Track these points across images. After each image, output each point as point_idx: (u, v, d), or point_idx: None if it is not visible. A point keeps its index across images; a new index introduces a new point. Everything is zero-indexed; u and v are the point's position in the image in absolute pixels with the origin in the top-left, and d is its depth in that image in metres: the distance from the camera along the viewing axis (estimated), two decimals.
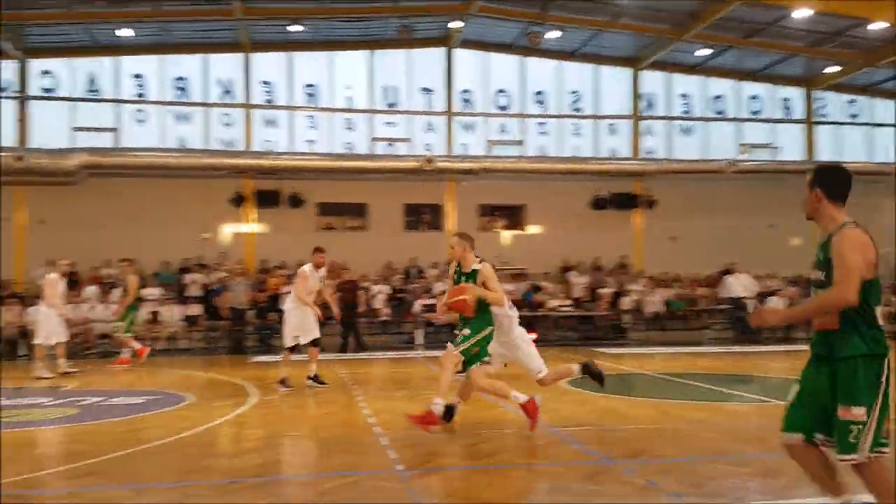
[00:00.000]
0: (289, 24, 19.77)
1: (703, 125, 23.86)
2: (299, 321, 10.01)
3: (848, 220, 3.73)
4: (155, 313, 17.35)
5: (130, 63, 20.72)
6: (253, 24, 19.92)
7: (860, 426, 3.54)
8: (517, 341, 7.19)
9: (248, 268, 19.84)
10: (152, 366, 13.60)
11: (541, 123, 23.06)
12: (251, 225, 21.10)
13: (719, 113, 23.97)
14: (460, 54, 22.44)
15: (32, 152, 18.98)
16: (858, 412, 3.55)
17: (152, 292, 17.72)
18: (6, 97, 20.21)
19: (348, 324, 16.54)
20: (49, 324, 12.14)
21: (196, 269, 19.27)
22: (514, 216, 22.61)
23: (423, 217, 22.28)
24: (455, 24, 20.67)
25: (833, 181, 3.79)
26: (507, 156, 21.79)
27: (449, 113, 22.39)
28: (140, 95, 20.92)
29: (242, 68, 21.27)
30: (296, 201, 20.77)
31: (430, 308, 17.51)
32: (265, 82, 21.57)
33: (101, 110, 20.60)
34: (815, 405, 3.72)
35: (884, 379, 3.60)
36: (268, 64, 21.50)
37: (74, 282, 18.90)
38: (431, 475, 5.59)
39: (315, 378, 10.13)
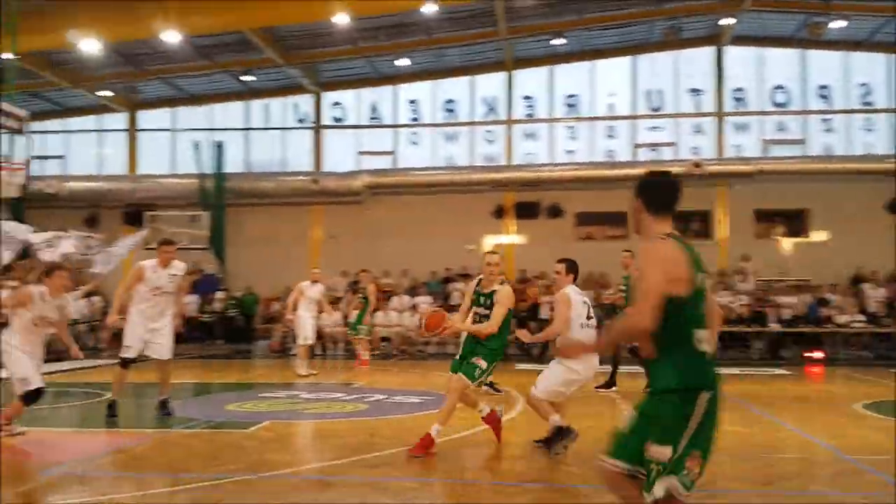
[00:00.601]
0: (552, 38, 20.10)
1: None
2: None
3: (664, 232, 3.26)
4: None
5: (406, 90, 22.51)
6: (516, 41, 20.56)
7: (660, 467, 3.04)
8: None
9: (508, 278, 20.39)
10: (424, 368, 14.55)
11: (825, 120, 20.90)
12: (511, 236, 21.71)
13: None
14: (732, 52, 21.14)
15: (325, 175, 21.45)
16: (660, 452, 3.04)
17: (423, 300, 18.99)
18: (304, 128, 23.04)
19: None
20: (305, 326, 13.34)
21: (459, 279, 20.28)
22: (795, 222, 20.64)
23: (690, 225, 21.24)
24: (726, 21, 19.52)
25: (656, 191, 3.40)
26: (786, 156, 20.05)
27: (720, 113, 21.18)
28: (414, 119, 22.62)
29: (505, 86, 22.05)
30: (555, 211, 21.00)
31: None
32: (526, 97, 22.14)
33: (382, 135, 22.63)
34: (640, 437, 3.13)
35: (695, 416, 3.05)
36: (529, 79, 22.07)
37: (358, 290, 20.92)
38: (717, 497, 5.26)
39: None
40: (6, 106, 12.68)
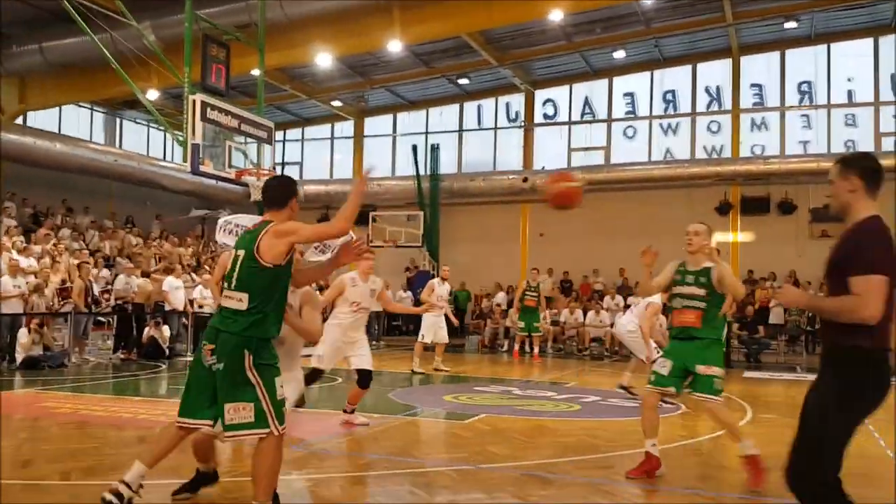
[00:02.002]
0: (784, 21, 18.56)
1: None
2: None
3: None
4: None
5: (622, 83, 21.96)
6: (743, 26, 19.26)
7: None
8: None
9: None
10: (640, 373, 14.05)
11: None
12: (737, 234, 20.35)
13: None
14: None
15: (535, 173, 21.53)
16: None
17: (637, 301, 18.34)
18: (515, 126, 23.31)
19: None
20: (433, 325, 13.12)
21: None
22: None
23: None
24: None
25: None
26: None
27: None
28: (629, 112, 21.99)
29: (730, 73, 20.76)
30: (786, 207, 19.39)
31: None
32: (755, 85, 20.66)
33: (595, 130, 22.26)
34: None
35: None
36: (758, 66, 20.62)
37: (569, 290, 20.81)
38: None
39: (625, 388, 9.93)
40: (256, 117, 14.13)
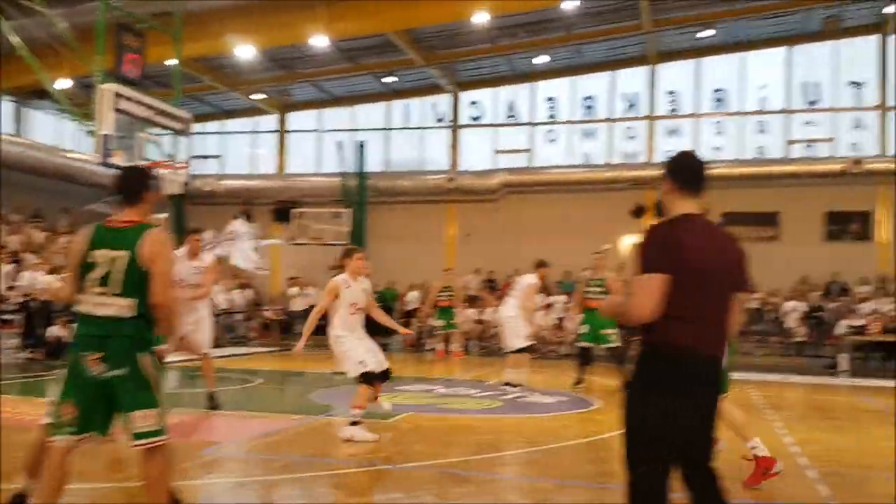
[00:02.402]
0: (699, 31, 19.27)
1: None
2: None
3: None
4: (560, 319, 18.31)
5: (544, 87, 22.34)
6: (660, 35, 19.88)
7: None
8: None
9: None
10: (558, 369, 14.35)
11: None
12: None
13: None
14: None
15: (461, 174, 21.69)
16: None
17: (557, 299, 18.78)
18: (442, 127, 23.40)
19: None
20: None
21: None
22: None
23: (848, 227, 19.73)
24: (892, 9, 17.96)
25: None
26: None
27: (883, 107, 19.51)
28: (551, 117, 22.41)
29: (647, 81, 21.39)
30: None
31: (859, 330, 15.43)
32: (670, 92, 21.37)
33: (518, 133, 22.58)
34: None
35: None
36: (674, 73, 21.32)
37: (494, 288, 21.02)
38: None
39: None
40: (171, 108, 13.71)
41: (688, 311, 3.08)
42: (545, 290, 19.65)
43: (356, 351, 6.85)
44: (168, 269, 3.74)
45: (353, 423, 6.70)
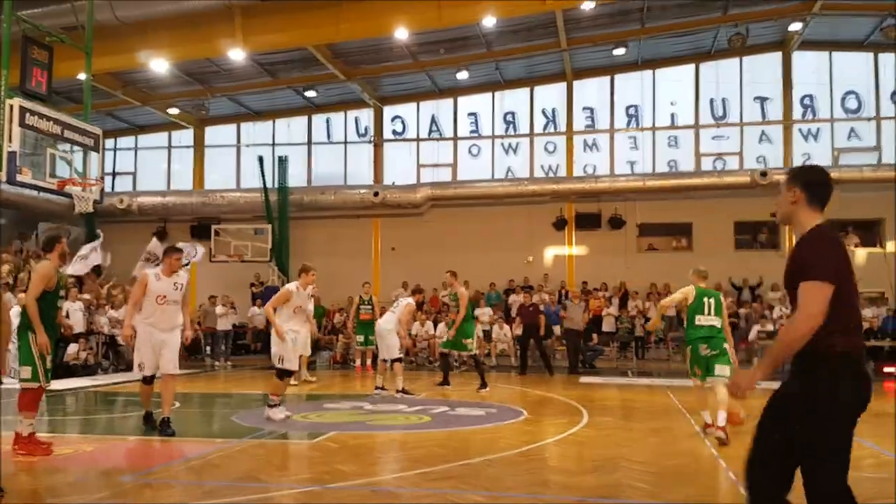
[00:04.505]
0: (613, 48, 19.90)
1: None
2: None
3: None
4: (487, 331, 18.45)
5: (466, 102, 22.60)
6: (576, 52, 20.42)
7: None
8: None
9: (570, 290, 20.23)
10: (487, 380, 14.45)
11: None
12: (572, 248, 21.50)
13: None
14: (800, 57, 20.59)
15: (386, 188, 21.65)
16: None
17: (483, 311, 18.93)
18: (365, 141, 23.32)
19: (526, 345, 16.65)
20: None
21: (519, 291, 20.15)
22: (869, 232, 19.91)
23: (758, 235, 20.69)
24: (794, 27, 19.02)
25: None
26: (859, 164, 19.33)
27: (787, 121, 20.60)
28: (473, 132, 22.67)
29: (565, 97, 21.92)
30: (616, 223, 20.73)
31: (770, 335, 16.14)
32: (587, 108, 21.97)
33: (442, 147, 22.74)
34: None
35: None
36: (590, 89, 21.92)
37: (420, 303, 21.00)
38: None
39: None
40: (81, 124, 13.18)
41: (851, 321, 3.17)
42: (478, 301, 19.85)
43: (287, 347, 8.90)
44: None
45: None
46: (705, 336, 7.82)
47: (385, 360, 11.83)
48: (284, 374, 8.95)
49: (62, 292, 6.98)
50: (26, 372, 6.62)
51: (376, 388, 11.91)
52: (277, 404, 8.88)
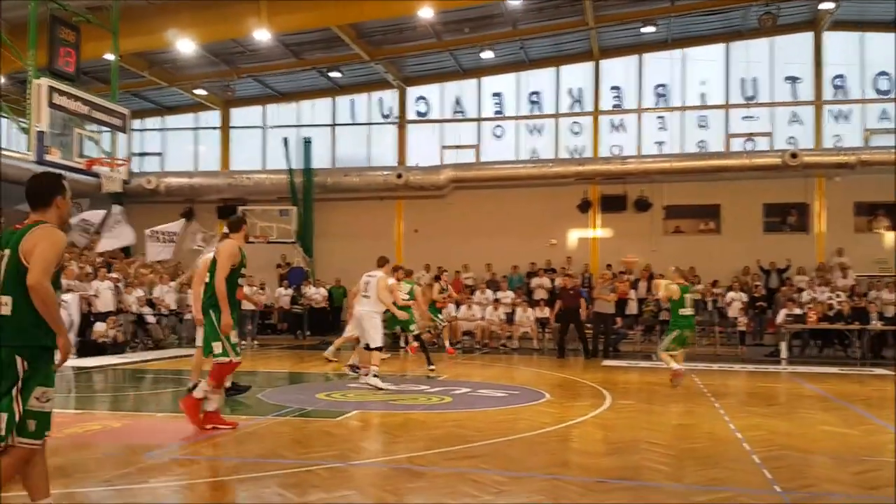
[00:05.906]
0: (641, 27, 19.60)
1: None
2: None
3: None
4: (509, 314, 18.40)
5: (490, 83, 22.41)
6: (604, 31, 20.15)
7: None
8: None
9: (594, 272, 20.09)
10: (507, 362, 14.48)
11: None
12: (596, 230, 21.34)
13: None
14: (831, 37, 20.12)
15: (409, 170, 21.62)
16: None
17: (505, 295, 18.89)
18: (388, 123, 23.28)
19: (565, 329, 15.83)
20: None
21: (542, 274, 20.05)
22: None
23: (787, 218, 20.36)
24: (826, 6, 18.57)
25: None
26: (889, 146, 18.90)
27: (818, 102, 20.19)
28: (498, 112, 22.50)
29: (592, 76, 21.66)
30: (642, 205, 20.50)
31: (798, 318, 15.92)
32: (614, 87, 21.69)
33: (465, 129, 22.61)
34: None
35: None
36: (617, 69, 21.64)
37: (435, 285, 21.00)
38: (818, 500, 5.00)
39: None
40: (109, 104, 13.32)
41: None
42: (495, 285, 19.79)
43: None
44: (45, 256, 3.68)
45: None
46: (690, 325, 10.62)
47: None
48: (374, 350, 9.94)
49: (243, 270, 7.13)
50: (218, 347, 6.85)
51: (349, 365, 11.29)
52: (375, 374, 9.81)
